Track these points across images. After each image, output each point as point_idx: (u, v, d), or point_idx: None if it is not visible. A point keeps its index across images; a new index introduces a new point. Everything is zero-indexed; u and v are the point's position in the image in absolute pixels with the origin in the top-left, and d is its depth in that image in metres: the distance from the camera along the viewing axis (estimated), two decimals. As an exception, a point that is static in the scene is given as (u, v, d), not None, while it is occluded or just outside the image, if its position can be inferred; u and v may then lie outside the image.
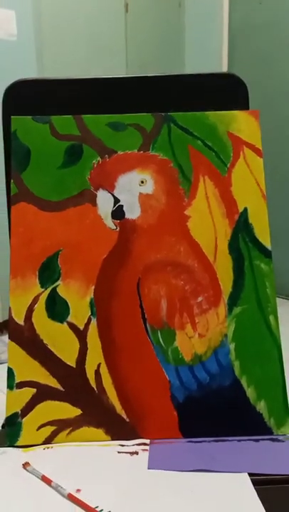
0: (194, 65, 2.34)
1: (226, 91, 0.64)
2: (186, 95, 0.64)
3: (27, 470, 0.50)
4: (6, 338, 1.90)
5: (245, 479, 0.47)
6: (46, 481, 0.48)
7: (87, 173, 0.60)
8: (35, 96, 0.64)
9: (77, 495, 0.46)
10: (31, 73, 1.82)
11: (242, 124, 0.61)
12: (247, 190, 0.60)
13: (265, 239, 0.59)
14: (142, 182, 0.59)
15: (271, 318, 0.57)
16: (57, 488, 0.47)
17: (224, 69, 2.32)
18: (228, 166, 0.60)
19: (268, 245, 0.59)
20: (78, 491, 0.46)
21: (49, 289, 0.57)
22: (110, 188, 0.59)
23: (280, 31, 2.19)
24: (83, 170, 0.60)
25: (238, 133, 0.61)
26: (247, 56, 2.31)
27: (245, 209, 0.59)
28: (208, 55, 2.39)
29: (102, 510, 0.44)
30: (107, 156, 0.60)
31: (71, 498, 0.45)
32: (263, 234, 0.59)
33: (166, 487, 0.47)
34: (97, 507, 0.44)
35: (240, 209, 0.59)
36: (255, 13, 2.26)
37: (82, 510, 0.44)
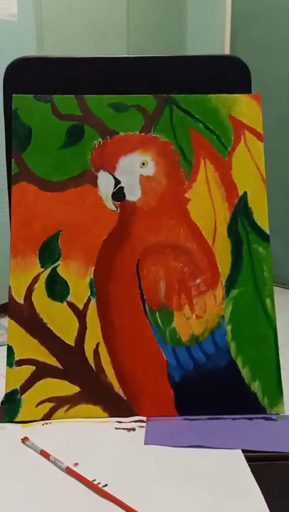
0: (196, 49, 2.31)
1: (228, 74, 0.64)
2: (188, 77, 0.64)
3: (26, 445, 0.51)
4: (4, 321, 1.93)
5: (238, 455, 0.48)
6: (45, 455, 0.49)
7: (88, 153, 0.60)
8: (36, 74, 0.63)
9: (75, 468, 0.47)
10: (31, 54, 1.80)
11: (244, 107, 0.61)
12: (247, 174, 0.60)
13: (263, 223, 0.60)
14: (143, 164, 0.60)
15: (267, 301, 0.58)
16: (55, 462, 0.48)
17: (226, 53, 2.29)
18: (229, 149, 0.60)
19: (267, 229, 0.60)
20: (76, 464, 0.47)
21: (49, 269, 0.58)
22: (111, 170, 0.60)
23: (284, 16, 2.17)
24: (84, 150, 0.60)
25: (239, 116, 0.61)
26: (249, 41, 2.28)
27: (245, 193, 0.60)
28: (210, 40, 2.37)
29: (99, 483, 0.45)
30: (108, 137, 0.60)
31: (69, 471, 0.47)
32: (261, 218, 0.60)
33: (161, 462, 0.48)
34: (94, 480, 0.45)
35: (240, 193, 0.60)
36: (258, -3, 2.23)
37: (80, 483, 0.45)
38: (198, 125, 0.60)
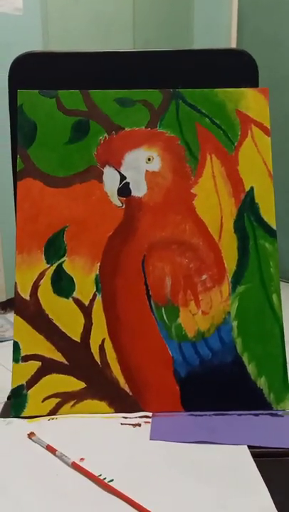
0: (203, 42, 2.29)
1: (235, 68, 0.63)
2: (195, 71, 0.63)
3: (32, 440, 0.51)
4: (10, 316, 1.94)
5: (244, 451, 0.48)
6: (51, 450, 0.49)
7: (93, 149, 0.59)
8: (42, 69, 0.63)
9: (81, 463, 0.47)
10: (37, 48, 1.79)
11: (251, 101, 0.60)
12: (254, 169, 0.60)
13: (270, 218, 0.59)
14: (149, 159, 0.59)
15: (274, 297, 0.58)
16: (61, 457, 0.48)
17: (233, 47, 2.27)
18: (236, 144, 0.60)
19: (273, 225, 0.59)
20: (82, 459, 0.48)
21: (55, 265, 0.58)
22: (117, 165, 0.59)
23: (291, 9, 2.14)
24: (90, 146, 0.59)
25: (246, 111, 0.60)
26: (256, 34, 2.26)
27: (252, 188, 0.59)
28: (217, 33, 2.34)
29: (105, 478, 0.45)
30: (114, 132, 0.60)
31: (75, 466, 0.47)
32: (268, 213, 0.59)
33: (167, 457, 0.48)
34: (100, 475, 0.45)
35: (247, 188, 0.59)
36: (265, -11, 2.20)
37: (86, 478, 0.46)
38: (204, 120, 0.60)
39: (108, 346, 0.57)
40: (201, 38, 2.32)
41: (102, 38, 2.01)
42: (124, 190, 0.59)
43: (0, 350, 1.62)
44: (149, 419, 0.54)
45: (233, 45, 2.28)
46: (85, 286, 0.58)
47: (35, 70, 0.63)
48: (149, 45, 2.14)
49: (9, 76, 0.62)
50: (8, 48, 1.71)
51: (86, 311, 0.58)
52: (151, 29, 2.20)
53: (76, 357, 0.57)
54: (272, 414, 0.55)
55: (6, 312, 1.96)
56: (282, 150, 2.11)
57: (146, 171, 0.59)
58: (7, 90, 0.62)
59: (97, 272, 0.58)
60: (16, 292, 0.58)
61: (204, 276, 0.58)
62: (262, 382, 0.56)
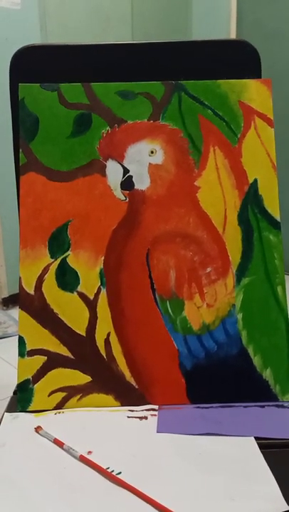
0: (201, 33, 2.27)
1: (237, 58, 0.62)
2: (197, 62, 0.63)
3: (39, 434, 0.51)
4: (12, 312, 1.94)
5: (251, 443, 0.49)
6: (58, 443, 0.49)
7: (96, 142, 0.59)
8: (43, 62, 0.62)
9: (88, 457, 0.47)
10: (35, 42, 1.78)
11: (253, 93, 0.60)
12: (257, 161, 0.59)
13: (274, 210, 0.59)
14: (152, 152, 0.59)
15: (279, 289, 0.58)
16: (69, 451, 0.48)
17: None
18: (239, 136, 0.59)
19: (277, 216, 0.59)
20: (90, 453, 0.48)
21: (59, 260, 0.58)
22: (120, 158, 0.59)
23: (291, -1, 2.12)
24: (92, 139, 0.59)
25: (249, 102, 0.60)
26: (256, 24, 2.24)
27: (255, 180, 0.59)
28: (216, 25, 2.33)
29: (112, 471, 0.45)
30: (116, 125, 0.59)
31: (83, 459, 0.47)
32: (272, 205, 0.59)
33: (174, 449, 0.48)
34: (108, 468, 0.46)
35: (250, 180, 0.59)
36: (265, -21, 2.18)
37: (94, 471, 0.46)
38: (207, 112, 0.60)
39: (113, 340, 0.57)
40: (199, 30, 2.30)
41: (101, 31, 2.00)
42: (127, 183, 0.59)
43: (3, 346, 1.62)
44: (156, 412, 0.54)
45: (233, 35, 2.27)
46: (89, 280, 0.58)
47: (36, 64, 0.63)
48: (147, 37, 2.12)
49: (10, 70, 0.62)
50: (7, 42, 1.70)
51: (91, 305, 0.58)
52: (150, 21, 2.18)
53: (82, 351, 0.57)
54: (278, 406, 0.55)
55: (8, 308, 1.97)
56: (286, 141, 2.10)
57: (150, 163, 0.59)
58: (7, 84, 0.62)
59: (102, 266, 0.58)
60: (21, 287, 0.58)
61: (209, 269, 0.58)
62: (267, 374, 0.56)
